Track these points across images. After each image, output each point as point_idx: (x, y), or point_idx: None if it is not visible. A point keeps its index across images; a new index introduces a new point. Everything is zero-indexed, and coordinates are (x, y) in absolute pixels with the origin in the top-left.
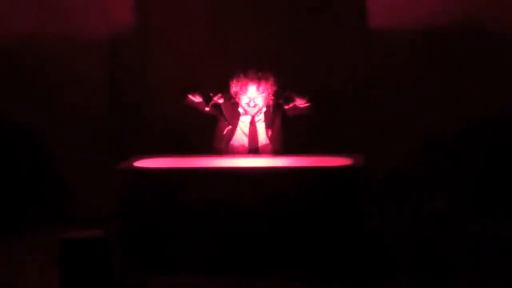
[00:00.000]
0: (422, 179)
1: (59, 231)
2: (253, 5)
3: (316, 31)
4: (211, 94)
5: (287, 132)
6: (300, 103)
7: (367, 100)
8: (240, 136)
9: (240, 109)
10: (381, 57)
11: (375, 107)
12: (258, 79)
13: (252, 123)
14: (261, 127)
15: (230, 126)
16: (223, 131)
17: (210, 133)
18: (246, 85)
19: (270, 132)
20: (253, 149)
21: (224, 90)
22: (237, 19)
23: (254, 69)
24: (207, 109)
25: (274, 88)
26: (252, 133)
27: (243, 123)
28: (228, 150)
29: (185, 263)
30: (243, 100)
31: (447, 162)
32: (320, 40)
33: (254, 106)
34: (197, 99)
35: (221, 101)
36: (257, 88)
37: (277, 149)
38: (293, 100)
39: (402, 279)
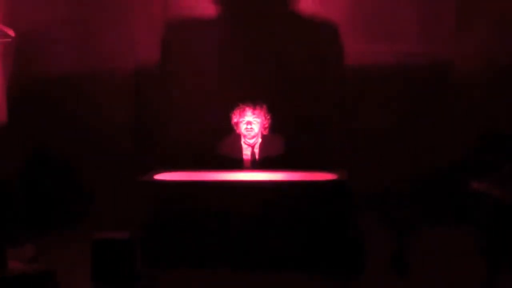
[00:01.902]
0: (394, 193)
1: (92, 232)
2: (252, 53)
3: (305, 72)
4: None
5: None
6: None
7: (352, 128)
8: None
9: (242, 141)
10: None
11: (358, 132)
12: (253, 106)
13: (253, 153)
14: (257, 150)
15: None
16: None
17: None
18: (243, 111)
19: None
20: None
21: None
22: (239, 62)
23: (250, 101)
24: None
25: (268, 117)
26: (253, 157)
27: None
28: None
29: (195, 259)
30: (242, 127)
31: (416, 180)
32: (309, 80)
33: (251, 129)
34: None
35: None
36: (253, 112)
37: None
38: None
39: (376, 274)
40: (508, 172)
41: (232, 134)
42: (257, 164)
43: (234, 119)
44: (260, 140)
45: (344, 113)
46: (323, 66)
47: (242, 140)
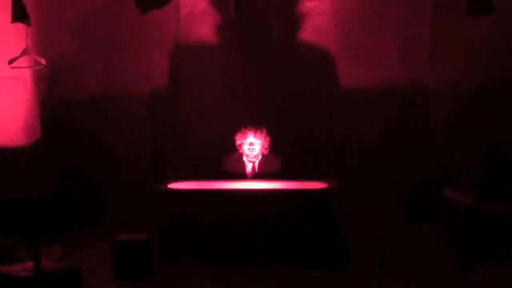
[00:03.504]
0: (373, 198)
1: (113, 234)
2: (254, 77)
3: (300, 94)
4: None
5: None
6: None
7: (341, 143)
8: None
9: (245, 159)
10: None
11: (346, 147)
12: (255, 130)
13: (253, 168)
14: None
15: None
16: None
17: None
18: (245, 134)
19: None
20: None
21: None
22: (243, 85)
23: (252, 125)
24: None
25: (268, 139)
26: (253, 171)
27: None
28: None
29: (203, 257)
30: (245, 148)
31: (397, 188)
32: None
33: (253, 149)
34: None
35: None
36: (254, 135)
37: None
38: None
39: (359, 268)
40: (471, 181)
41: (235, 152)
42: (257, 176)
43: (238, 141)
44: (260, 156)
45: (334, 130)
46: (317, 89)
47: (244, 157)
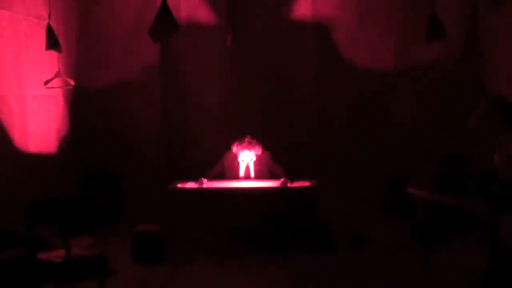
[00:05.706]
0: (349, 194)
1: (132, 226)
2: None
3: (286, 104)
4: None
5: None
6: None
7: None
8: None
9: (240, 160)
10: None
11: (326, 151)
12: (249, 145)
13: (247, 168)
14: (251, 166)
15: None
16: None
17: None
18: (240, 145)
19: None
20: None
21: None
22: (239, 97)
23: (246, 138)
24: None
25: (259, 147)
26: (247, 172)
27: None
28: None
29: (206, 247)
30: (240, 156)
31: (367, 186)
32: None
33: (247, 157)
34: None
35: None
36: (248, 148)
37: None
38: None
39: (338, 252)
40: (428, 179)
41: (232, 152)
42: (250, 176)
43: (234, 148)
44: (254, 158)
45: (315, 136)
46: (301, 102)
47: (239, 158)
